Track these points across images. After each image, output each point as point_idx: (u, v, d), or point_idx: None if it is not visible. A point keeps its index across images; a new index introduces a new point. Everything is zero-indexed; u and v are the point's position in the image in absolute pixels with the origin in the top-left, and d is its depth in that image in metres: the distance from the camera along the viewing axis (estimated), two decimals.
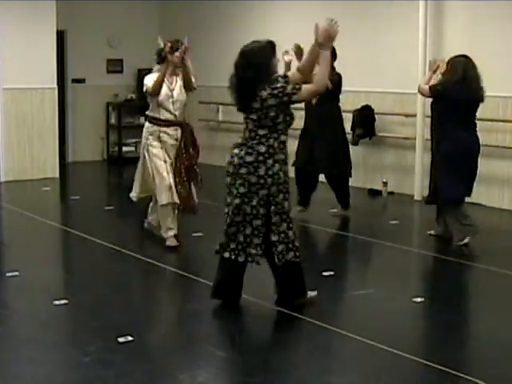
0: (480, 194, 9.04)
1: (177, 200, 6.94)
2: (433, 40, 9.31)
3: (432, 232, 7.51)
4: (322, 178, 8.46)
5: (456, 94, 6.90)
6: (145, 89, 6.92)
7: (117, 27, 12.95)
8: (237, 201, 5.18)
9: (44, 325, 5.17)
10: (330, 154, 8.15)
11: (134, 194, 7.37)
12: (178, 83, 6.96)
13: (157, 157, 6.94)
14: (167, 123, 6.94)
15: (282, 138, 5.17)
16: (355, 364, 4.58)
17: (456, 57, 7.12)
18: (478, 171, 7.24)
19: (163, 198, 6.91)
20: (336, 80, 8.08)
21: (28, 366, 4.47)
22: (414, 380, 4.40)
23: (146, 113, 7.10)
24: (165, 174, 6.90)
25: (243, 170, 5.14)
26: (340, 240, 7.84)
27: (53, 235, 8.00)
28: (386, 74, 9.90)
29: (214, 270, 6.27)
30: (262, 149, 5.11)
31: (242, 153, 5.15)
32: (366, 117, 9.92)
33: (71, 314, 5.47)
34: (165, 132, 6.94)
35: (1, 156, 10.82)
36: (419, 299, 5.61)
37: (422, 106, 9.16)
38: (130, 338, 4.78)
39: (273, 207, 5.19)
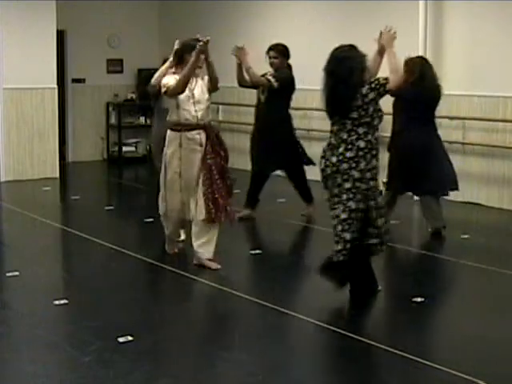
0: (480, 194, 9.04)
1: (188, 217, 6.44)
2: (433, 40, 9.31)
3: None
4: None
5: (414, 93, 7.12)
6: (164, 89, 6.25)
7: (117, 27, 12.96)
8: (344, 197, 5.29)
9: (44, 325, 5.17)
10: (273, 152, 8.01)
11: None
12: (198, 83, 6.33)
13: (172, 169, 6.35)
14: (188, 127, 6.28)
15: (376, 133, 5.38)
16: (355, 364, 4.58)
17: (413, 58, 7.43)
18: (454, 167, 7.44)
19: (172, 214, 6.45)
20: (285, 80, 7.93)
21: (28, 365, 4.47)
22: (413, 380, 4.40)
23: (167, 119, 6.44)
24: (177, 189, 6.36)
25: (345, 166, 5.27)
26: None
27: (53, 235, 8.00)
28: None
29: (214, 269, 6.27)
30: (362, 144, 5.27)
31: (341, 149, 5.28)
32: None
33: (71, 314, 5.47)
34: (186, 137, 6.28)
35: (1, 156, 10.82)
36: (419, 299, 5.61)
37: None
38: (129, 338, 4.78)
39: (372, 202, 5.35)
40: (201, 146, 6.29)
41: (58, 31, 11.22)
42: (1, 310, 5.50)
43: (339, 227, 5.33)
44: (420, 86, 7.18)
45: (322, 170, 5.42)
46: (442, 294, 5.90)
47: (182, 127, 6.28)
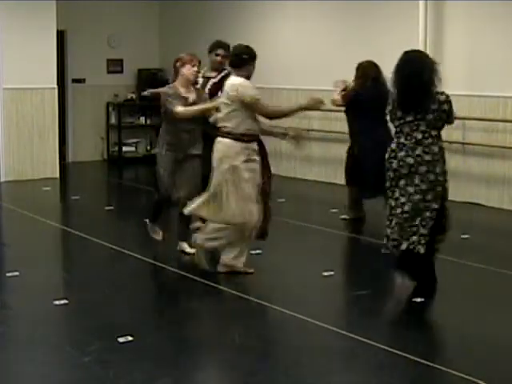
0: (480, 194, 9.04)
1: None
2: (433, 40, 9.31)
3: (346, 216, 8.24)
4: None
5: (371, 95, 7.60)
6: (252, 100, 5.97)
7: (117, 27, 12.96)
8: (417, 197, 5.52)
9: (44, 325, 5.17)
10: None
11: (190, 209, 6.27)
12: None
13: (248, 182, 6.03)
14: (251, 138, 6.09)
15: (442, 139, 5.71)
16: (356, 364, 4.58)
17: (363, 62, 7.91)
18: None
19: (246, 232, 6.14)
20: None
21: (28, 366, 4.47)
22: (414, 380, 4.39)
23: (229, 128, 6.05)
24: (255, 202, 6.08)
25: (423, 169, 5.52)
26: (340, 240, 7.84)
27: (53, 235, 8.00)
28: (386, 74, 9.88)
29: (213, 269, 6.26)
30: (436, 149, 5.55)
31: (418, 151, 5.51)
32: None
33: (71, 314, 5.47)
34: (253, 149, 6.10)
35: (1, 156, 10.83)
36: (419, 299, 5.61)
37: None
38: (129, 338, 4.78)
39: (445, 202, 5.67)
40: (258, 156, 6.20)
41: (57, 31, 11.23)
42: (1, 309, 5.50)
43: (417, 221, 5.51)
44: (377, 87, 7.60)
45: (395, 170, 5.57)
46: (442, 294, 5.89)
47: (249, 138, 6.10)
